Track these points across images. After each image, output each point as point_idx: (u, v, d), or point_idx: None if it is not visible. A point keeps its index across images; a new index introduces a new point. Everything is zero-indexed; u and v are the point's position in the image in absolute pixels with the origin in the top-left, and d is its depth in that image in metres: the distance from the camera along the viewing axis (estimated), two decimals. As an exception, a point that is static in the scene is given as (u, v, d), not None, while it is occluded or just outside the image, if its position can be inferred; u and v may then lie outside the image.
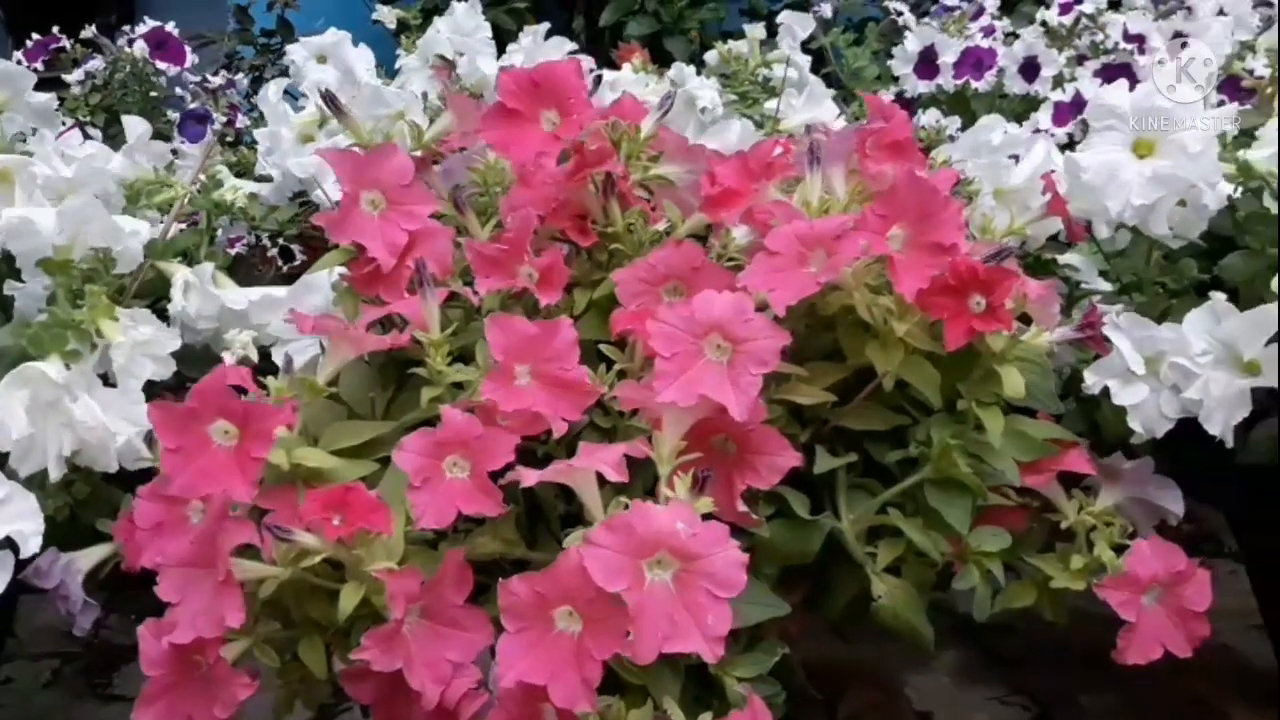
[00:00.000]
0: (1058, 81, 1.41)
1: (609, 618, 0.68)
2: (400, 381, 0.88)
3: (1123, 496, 0.91)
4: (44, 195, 0.97)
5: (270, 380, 0.82)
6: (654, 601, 0.68)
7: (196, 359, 1.03)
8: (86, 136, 1.41)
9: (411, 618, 0.75)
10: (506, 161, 0.95)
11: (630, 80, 1.45)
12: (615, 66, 1.54)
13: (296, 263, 1.33)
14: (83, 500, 0.92)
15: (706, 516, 0.71)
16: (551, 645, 0.69)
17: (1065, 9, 1.48)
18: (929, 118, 1.38)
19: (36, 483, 0.87)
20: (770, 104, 1.41)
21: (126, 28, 1.63)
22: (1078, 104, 1.29)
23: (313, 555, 0.74)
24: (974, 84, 1.46)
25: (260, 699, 0.78)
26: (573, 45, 1.45)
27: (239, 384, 0.80)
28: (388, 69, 1.53)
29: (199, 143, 1.48)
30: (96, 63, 1.57)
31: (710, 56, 1.59)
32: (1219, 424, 0.88)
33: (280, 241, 1.32)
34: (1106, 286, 1.05)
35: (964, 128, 1.33)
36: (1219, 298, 0.89)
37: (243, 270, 1.29)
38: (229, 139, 1.56)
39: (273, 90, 1.27)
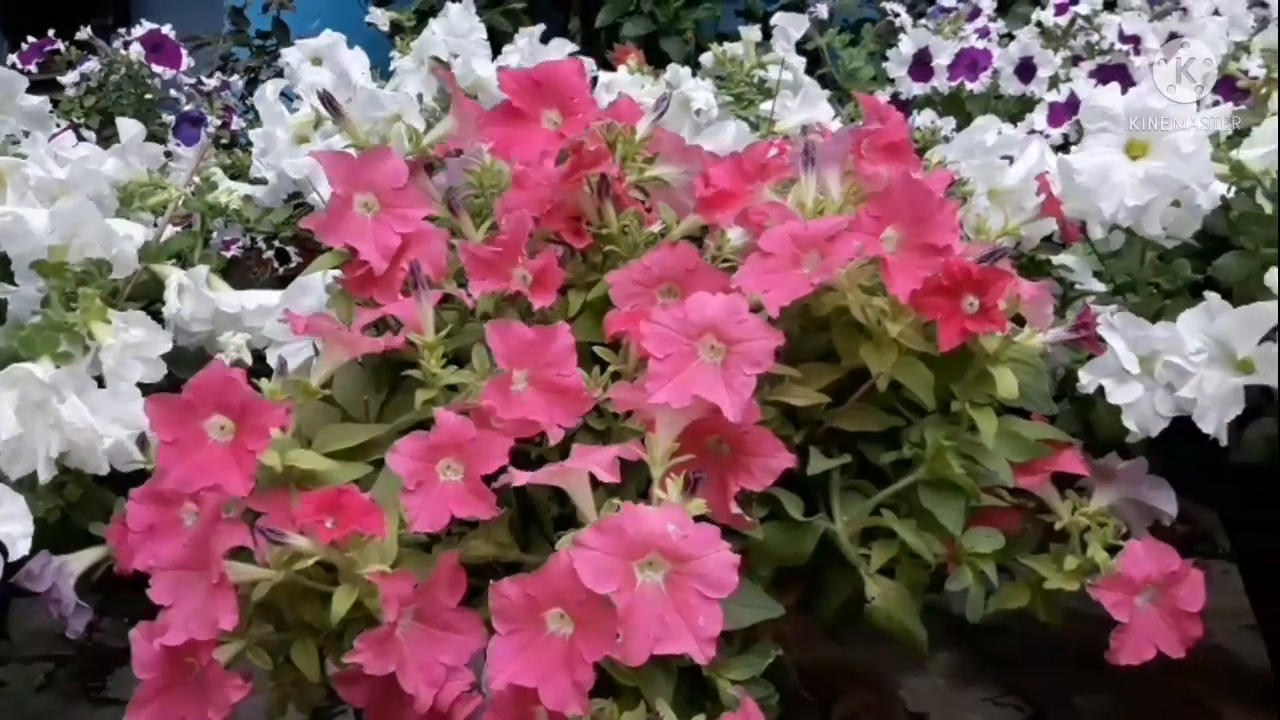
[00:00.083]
0: (1053, 82, 1.41)
1: (600, 620, 0.68)
2: (394, 384, 0.88)
3: (1116, 497, 0.91)
4: (37, 198, 0.97)
5: (264, 382, 0.81)
6: (645, 603, 0.68)
7: (191, 361, 1.03)
8: (81, 139, 1.41)
9: (404, 620, 0.75)
10: (502, 164, 0.95)
11: (626, 81, 1.45)
12: (611, 68, 1.54)
13: (292, 265, 1.33)
14: (74, 503, 0.92)
15: (699, 518, 0.71)
16: (543, 648, 0.69)
17: (1061, 10, 1.48)
18: (924, 119, 1.38)
19: (27, 485, 0.87)
20: (765, 105, 1.42)
21: (122, 30, 1.63)
22: (1073, 105, 1.29)
23: (306, 558, 0.74)
24: (969, 85, 1.46)
25: (253, 702, 0.78)
26: (572, 46, 1.45)
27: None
28: (382, 71, 1.53)
29: (194, 145, 1.48)
30: (91, 65, 1.57)
31: (706, 58, 1.59)
32: (1213, 422, 0.88)
33: (276, 243, 1.32)
34: (1101, 287, 1.05)
35: (959, 129, 1.33)
36: (1213, 296, 0.89)
37: (238, 272, 1.29)
38: (224, 141, 1.56)
39: (270, 90, 1.27)
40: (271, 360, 0.96)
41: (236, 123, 1.58)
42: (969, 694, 1.29)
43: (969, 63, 1.46)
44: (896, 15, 1.61)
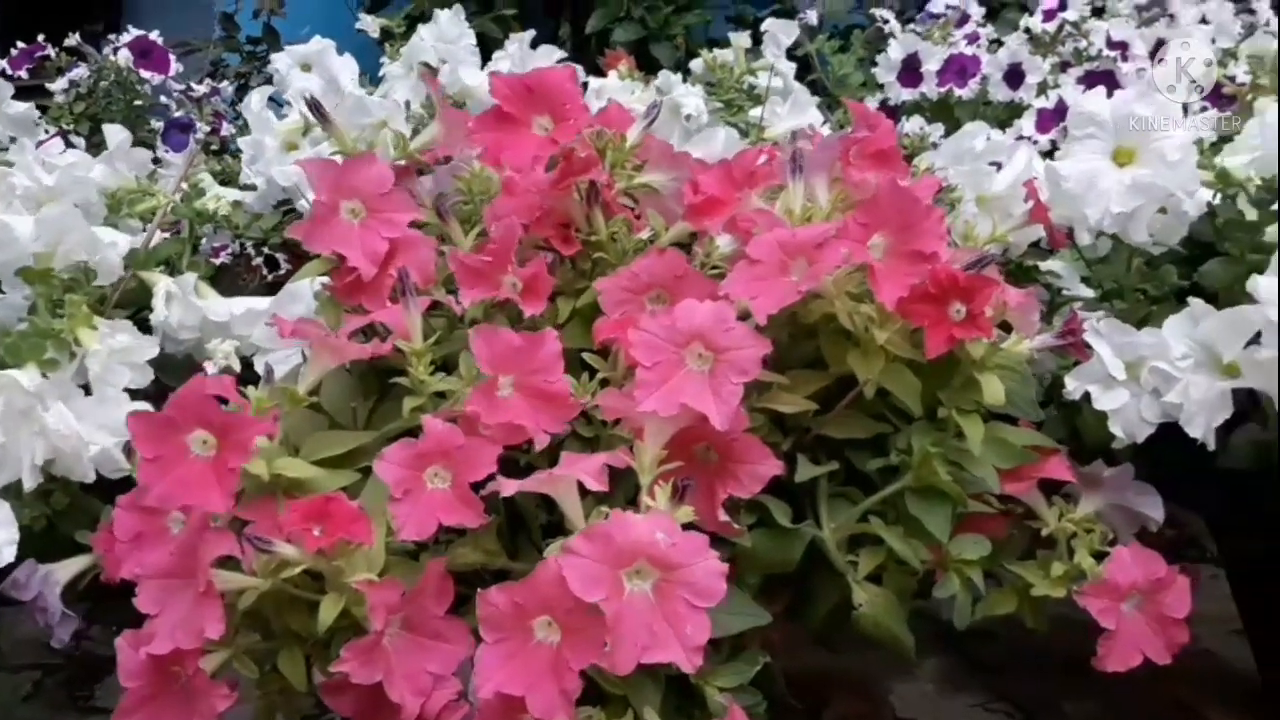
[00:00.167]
0: (1042, 88, 1.41)
1: (587, 628, 0.68)
2: (382, 391, 0.88)
3: (1103, 503, 0.91)
4: (25, 205, 0.97)
5: (251, 390, 0.81)
6: (633, 611, 0.68)
7: (179, 368, 1.03)
8: (70, 145, 1.41)
9: (392, 629, 0.75)
10: (491, 170, 0.95)
11: (616, 87, 1.45)
12: (602, 73, 1.54)
13: (281, 271, 1.32)
14: (61, 511, 0.92)
15: (687, 526, 0.71)
16: (530, 656, 0.69)
17: (1049, 16, 1.49)
18: (913, 125, 1.38)
19: (12, 493, 0.86)
20: (756, 111, 1.42)
21: (112, 36, 1.63)
22: (1061, 111, 1.30)
23: (293, 566, 0.74)
24: (958, 91, 1.46)
25: (239, 710, 0.77)
26: (561, 53, 1.45)
27: (220, 394, 0.79)
28: (372, 77, 1.53)
29: (183, 151, 1.48)
30: (81, 71, 1.57)
31: (696, 64, 1.59)
32: (1200, 427, 0.88)
33: (265, 250, 1.32)
34: (1088, 293, 1.05)
35: (948, 135, 1.33)
36: (1197, 301, 0.90)
37: (227, 279, 1.29)
38: (213, 147, 1.56)
39: (256, 99, 1.27)
40: (260, 368, 0.96)
41: (226, 128, 1.57)
42: (958, 700, 1.29)
43: (958, 69, 1.47)
44: (886, 22, 1.62)
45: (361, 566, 0.75)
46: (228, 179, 1.42)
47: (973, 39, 1.51)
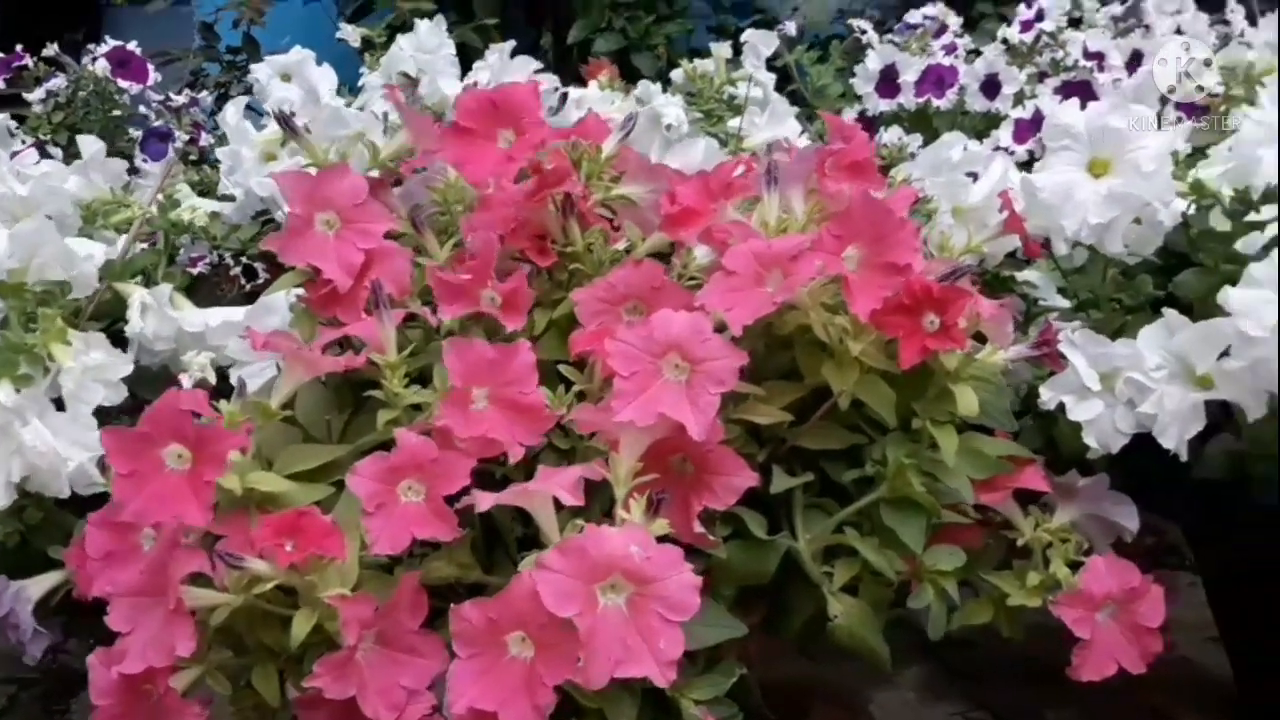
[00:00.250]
0: (1019, 99, 1.42)
1: (561, 643, 0.68)
2: (357, 404, 0.88)
3: (1079, 513, 0.92)
4: (-1, 216, 0.97)
5: (224, 404, 0.81)
6: (607, 626, 0.68)
7: (154, 381, 1.03)
8: (47, 155, 1.40)
9: (365, 644, 0.75)
10: (465, 178, 0.95)
11: (596, 98, 1.45)
12: (584, 83, 1.54)
13: (260, 281, 1.32)
14: (34, 526, 0.91)
15: (663, 538, 0.71)
16: (504, 671, 0.69)
17: (1026, 27, 1.50)
18: (891, 135, 1.39)
19: (-14, 508, 0.86)
20: (735, 121, 1.42)
21: (91, 45, 1.62)
22: (1038, 121, 1.31)
23: (265, 582, 0.74)
24: (936, 102, 1.47)
25: (213, 727, 0.77)
26: (538, 64, 1.45)
27: (193, 407, 0.79)
28: (354, 87, 1.53)
29: (161, 161, 1.47)
30: (58, 81, 1.56)
31: (676, 74, 1.59)
32: (1173, 438, 0.88)
33: (243, 260, 1.31)
34: (1064, 303, 1.05)
35: (926, 145, 1.33)
36: (1172, 313, 0.90)
37: (205, 289, 1.28)
38: (192, 157, 1.55)
39: (232, 110, 1.27)
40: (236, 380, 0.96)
41: (205, 139, 1.57)
42: (938, 709, 1.29)
43: (935, 79, 1.47)
44: (863, 33, 1.62)
45: (334, 581, 0.74)
46: (206, 189, 1.41)
47: (950, 50, 1.52)
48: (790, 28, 1.58)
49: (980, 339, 0.85)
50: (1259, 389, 0.83)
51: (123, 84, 1.55)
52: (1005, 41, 1.50)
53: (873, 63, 1.52)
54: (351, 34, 1.64)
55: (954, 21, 1.60)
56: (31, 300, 0.94)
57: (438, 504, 0.76)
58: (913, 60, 1.50)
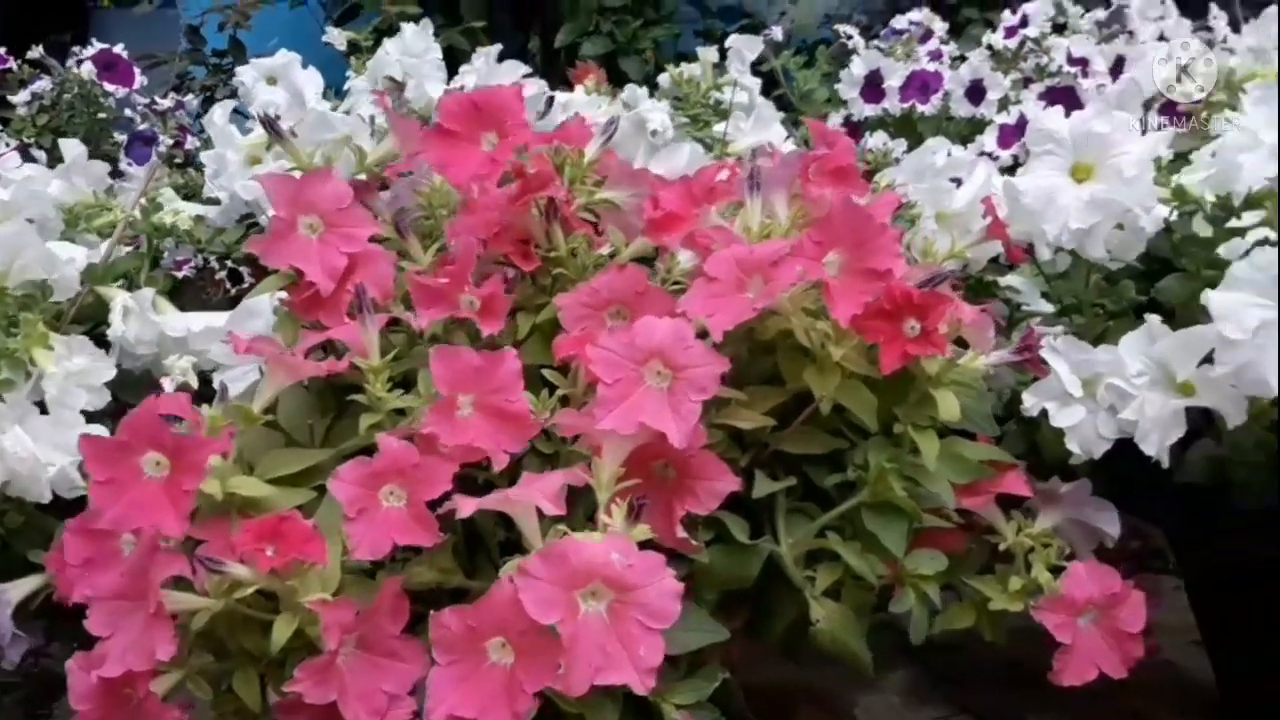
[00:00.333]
0: (1003, 104, 1.43)
1: (542, 649, 0.68)
2: (340, 408, 0.88)
3: (1061, 518, 0.92)
4: (-20, 219, 0.96)
5: (206, 408, 0.81)
6: (587, 633, 0.68)
7: (136, 385, 1.02)
8: (30, 159, 1.39)
9: (346, 649, 0.75)
10: (448, 180, 0.95)
11: (583, 102, 1.45)
12: (571, 87, 1.54)
13: (245, 285, 1.31)
14: (15, 530, 0.91)
15: (645, 544, 0.71)
16: (484, 678, 0.69)
17: (1011, 33, 1.50)
18: (876, 140, 1.39)
19: (-36, 513, 0.85)
20: (722, 126, 1.42)
21: (76, 48, 1.62)
22: (1022, 126, 1.31)
23: (245, 587, 0.74)
24: (920, 107, 1.47)
25: (194, 732, 0.77)
26: (526, 69, 1.45)
27: (174, 412, 0.79)
28: (340, 90, 1.53)
29: (145, 165, 1.47)
30: (43, 83, 1.56)
31: (663, 78, 1.59)
32: (1154, 444, 0.89)
33: (228, 264, 1.31)
34: (1048, 308, 1.06)
35: (911, 150, 1.34)
36: (1153, 319, 0.91)
37: (190, 293, 1.28)
38: (178, 160, 1.55)
39: (218, 113, 1.26)
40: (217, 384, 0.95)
41: (191, 142, 1.56)
42: (922, 712, 1.29)
43: (920, 85, 1.48)
44: (849, 38, 1.63)
45: (315, 586, 0.74)
46: (192, 193, 1.41)
47: (935, 55, 1.53)
48: (777, 33, 1.58)
49: (962, 344, 0.86)
50: (1239, 395, 0.84)
51: (108, 87, 1.55)
52: (990, 47, 1.51)
53: (858, 68, 1.53)
54: (337, 37, 1.63)
55: (939, 27, 1.61)
56: (13, 304, 0.93)
57: (419, 509, 0.76)
58: (898, 66, 1.51)
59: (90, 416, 0.94)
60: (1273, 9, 1.41)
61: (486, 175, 0.88)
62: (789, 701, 1.23)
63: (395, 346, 0.87)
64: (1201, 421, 0.91)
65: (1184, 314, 0.95)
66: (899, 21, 1.67)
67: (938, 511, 0.84)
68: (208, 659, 0.78)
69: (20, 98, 1.53)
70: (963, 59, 1.54)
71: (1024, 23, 1.52)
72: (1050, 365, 0.89)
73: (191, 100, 1.68)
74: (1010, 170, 1.17)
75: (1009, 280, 1.08)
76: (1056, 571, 0.87)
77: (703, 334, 0.78)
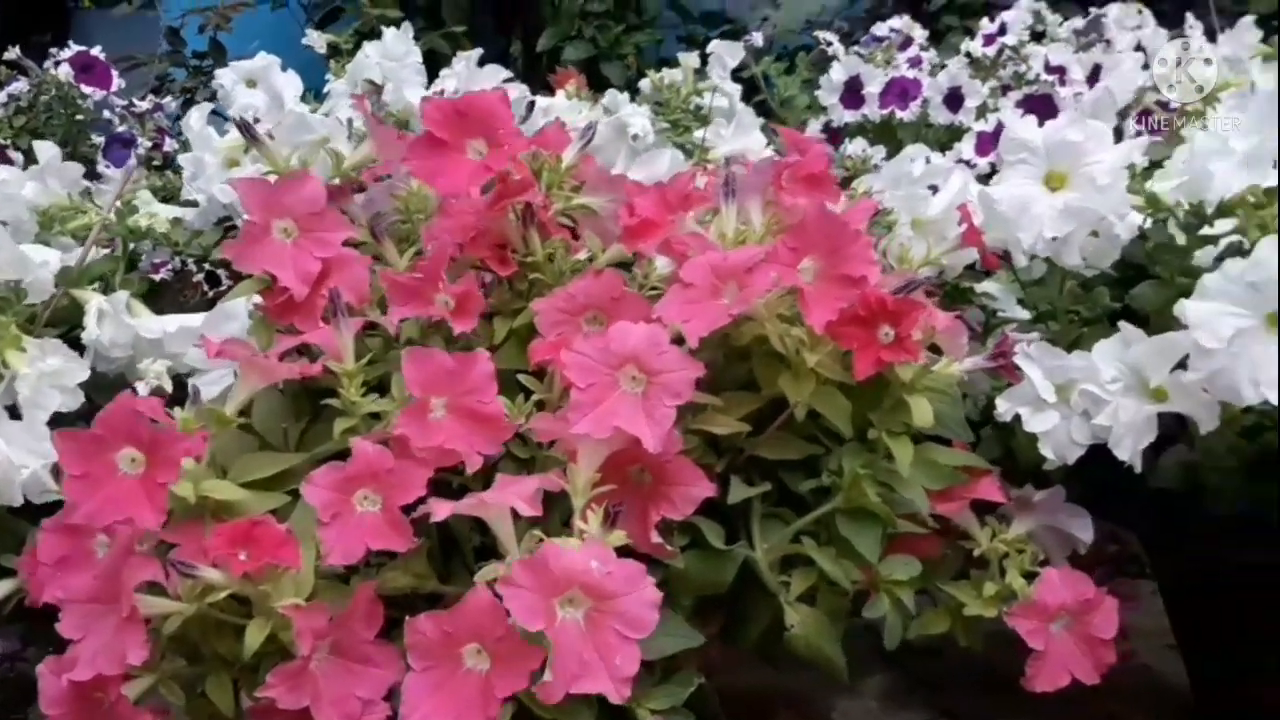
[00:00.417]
0: (981, 111, 1.44)
1: (517, 656, 0.68)
2: (315, 412, 0.87)
3: (1035, 524, 0.92)
4: (-47, 221, 0.96)
5: (179, 411, 0.80)
6: (565, 640, 0.68)
7: (111, 388, 1.01)
8: (8, 161, 1.38)
9: (320, 654, 0.74)
10: (429, 189, 0.95)
11: (564, 107, 1.45)
12: (552, 92, 1.54)
13: (222, 288, 1.31)
14: (-14, 534, 0.90)
15: (620, 550, 0.71)
16: (459, 684, 0.69)
17: (989, 40, 1.51)
18: (855, 147, 1.40)
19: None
20: (702, 132, 1.42)
21: (54, 50, 1.61)
22: (999, 134, 1.31)
23: (218, 591, 0.73)
24: (899, 113, 1.48)
25: (166, 737, 0.77)
26: (507, 73, 1.45)
27: (148, 414, 0.78)
28: (318, 94, 1.52)
29: (124, 167, 1.46)
30: (20, 85, 1.55)
31: (644, 84, 1.59)
32: (1127, 449, 0.89)
33: (206, 267, 1.31)
34: (1024, 314, 1.06)
35: (890, 157, 1.35)
36: (1127, 326, 0.91)
37: (168, 296, 1.28)
38: (156, 163, 1.54)
39: (195, 116, 1.26)
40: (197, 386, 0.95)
41: (170, 144, 1.56)
42: (901, 717, 1.30)
43: (899, 91, 1.48)
44: (829, 44, 1.63)
45: (289, 590, 0.74)
46: (170, 195, 1.41)
47: (915, 62, 1.53)
48: (757, 39, 1.59)
49: (937, 350, 0.86)
50: (1211, 401, 0.84)
51: (86, 89, 1.54)
52: (969, 55, 1.52)
53: (837, 74, 1.53)
54: (317, 40, 1.63)
55: (919, 34, 1.62)
56: (-14, 306, 0.93)
57: (393, 514, 0.76)
58: (877, 72, 1.51)
59: (66, 419, 0.94)
60: (1248, 19, 1.42)
61: (480, 184, 0.87)
62: (767, 706, 1.23)
63: (371, 350, 0.87)
64: (1175, 427, 0.91)
65: (1158, 321, 0.95)
66: (879, 28, 1.68)
67: (913, 517, 0.85)
68: (180, 663, 0.78)
69: (-3, 99, 1.52)
70: (942, 66, 1.54)
71: (1002, 31, 1.53)
72: (1024, 371, 0.89)
73: (171, 102, 1.67)
74: (988, 177, 1.18)
75: (985, 287, 1.08)
76: (1031, 577, 0.87)
77: (678, 340, 0.79)
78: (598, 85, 1.68)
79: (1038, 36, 1.55)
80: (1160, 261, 0.98)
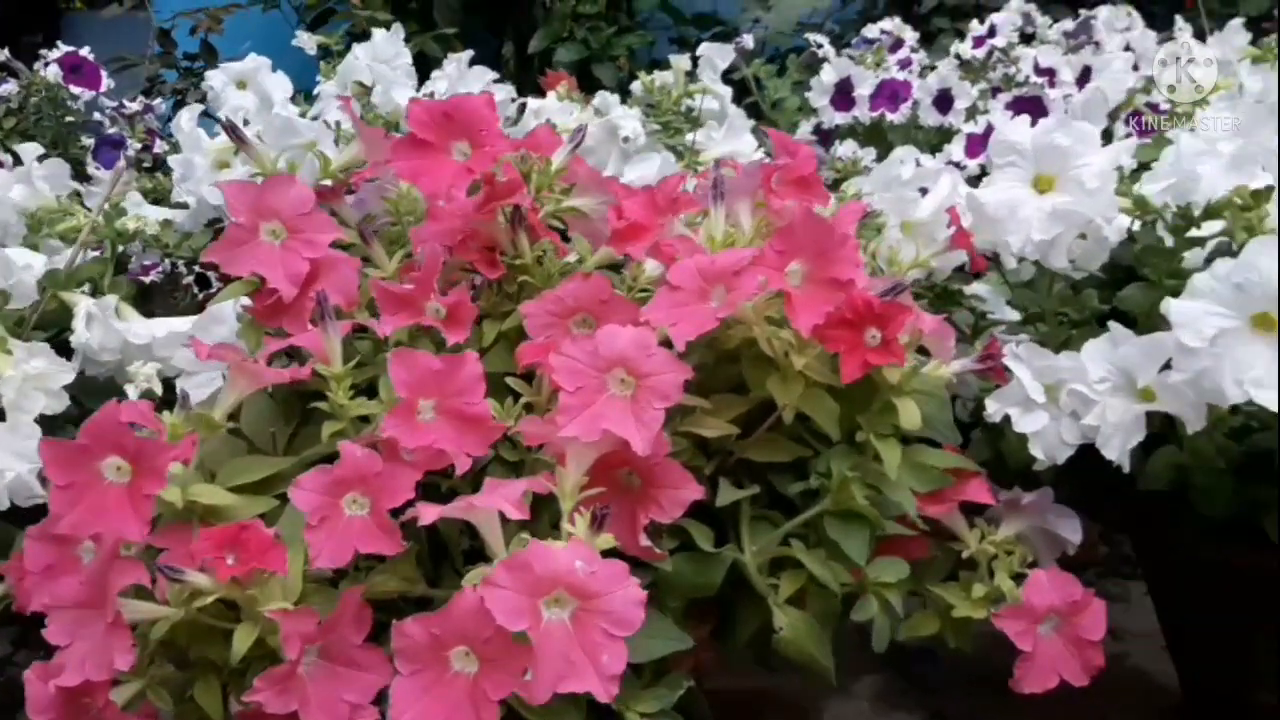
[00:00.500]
0: (971, 113, 1.44)
1: (506, 657, 0.68)
2: (304, 415, 0.87)
3: (1024, 526, 0.93)
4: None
5: (168, 415, 0.80)
6: (551, 640, 0.68)
7: (100, 391, 1.01)
8: (-3, 163, 1.38)
9: (308, 658, 0.74)
10: (418, 191, 0.95)
11: (555, 108, 1.45)
12: (544, 94, 1.54)
13: (213, 290, 1.31)
14: (-28, 538, 0.90)
15: (609, 552, 0.71)
16: (447, 687, 0.69)
17: (979, 43, 1.51)
18: (846, 149, 1.40)
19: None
20: (693, 134, 1.42)
21: (43, 52, 1.60)
22: (989, 136, 1.32)
23: (205, 595, 0.73)
24: (889, 116, 1.48)
25: (155, 742, 0.76)
26: (494, 74, 1.45)
27: (136, 420, 0.78)
28: (309, 95, 1.52)
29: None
30: (10, 86, 1.55)
31: (636, 86, 1.59)
32: (1116, 450, 0.89)
33: (196, 269, 1.30)
34: (1014, 316, 1.07)
35: (880, 158, 1.35)
36: (1116, 326, 0.91)
37: (158, 298, 1.27)
38: (146, 164, 1.54)
39: (185, 117, 1.26)
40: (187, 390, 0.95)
41: (160, 146, 1.56)
42: (893, 718, 1.30)
43: (889, 93, 1.49)
44: (820, 46, 1.64)
45: (277, 595, 0.74)
46: (160, 197, 1.40)
47: (905, 64, 1.53)
48: (748, 41, 1.59)
49: (925, 353, 0.86)
50: (1199, 402, 0.85)
51: (75, 90, 1.54)
52: (958, 56, 1.52)
53: (827, 76, 1.53)
54: (307, 41, 1.63)
55: (910, 36, 1.62)
56: (-29, 310, 0.92)
57: (382, 517, 0.75)
58: (867, 74, 1.52)
59: (55, 423, 0.93)
60: (1237, 21, 1.43)
61: (461, 185, 0.87)
62: (758, 708, 1.23)
63: (360, 353, 0.87)
64: (1166, 427, 0.91)
65: (1146, 323, 0.96)
66: (870, 30, 1.68)
67: (902, 519, 0.85)
68: (168, 668, 0.78)
69: (-14, 101, 1.52)
70: (933, 68, 1.54)
71: (992, 33, 1.53)
72: (1013, 372, 0.89)
73: (161, 104, 1.67)
74: (978, 179, 1.18)
75: (974, 289, 1.08)
76: (1020, 579, 0.88)
77: (667, 343, 0.78)
78: (589, 87, 1.68)
79: (1027, 38, 1.56)
80: (1148, 263, 0.98)
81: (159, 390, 0.96)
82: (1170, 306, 0.83)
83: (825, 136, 1.53)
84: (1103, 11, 1.56)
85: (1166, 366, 0.87)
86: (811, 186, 0.87)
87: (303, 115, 1.32)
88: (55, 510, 0.75)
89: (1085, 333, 0.99)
